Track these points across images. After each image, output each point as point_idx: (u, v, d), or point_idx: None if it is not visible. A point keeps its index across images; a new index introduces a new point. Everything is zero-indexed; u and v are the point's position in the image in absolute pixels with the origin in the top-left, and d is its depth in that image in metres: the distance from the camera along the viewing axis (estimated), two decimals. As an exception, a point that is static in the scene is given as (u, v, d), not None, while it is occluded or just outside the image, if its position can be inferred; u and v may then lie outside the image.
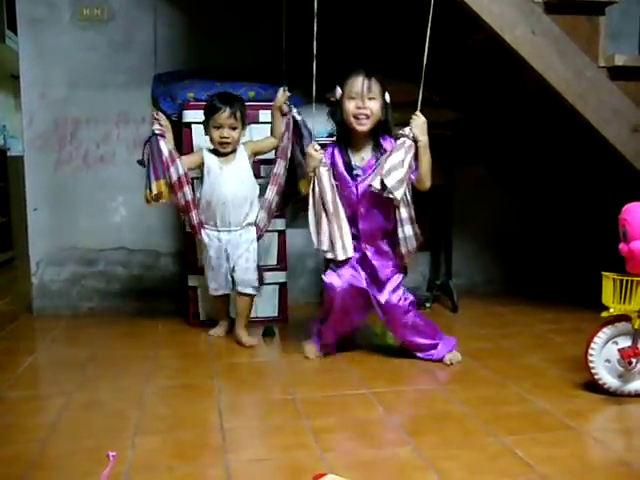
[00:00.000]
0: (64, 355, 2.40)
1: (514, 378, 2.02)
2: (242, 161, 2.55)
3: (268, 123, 2.67)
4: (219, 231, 2.51)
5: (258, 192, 2.58)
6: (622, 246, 1.79)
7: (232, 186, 2.49)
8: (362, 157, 2.21)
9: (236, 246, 2.51)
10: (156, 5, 3.02)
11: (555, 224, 3.41)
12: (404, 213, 2.15)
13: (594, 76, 2.44)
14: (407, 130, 2.12)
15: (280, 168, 2.51)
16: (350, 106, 2.15)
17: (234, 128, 2.48)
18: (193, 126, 2.72)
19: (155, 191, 2.38)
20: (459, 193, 3.13)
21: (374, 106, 2.14)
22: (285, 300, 2.88)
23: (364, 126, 2.16)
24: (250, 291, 2.54)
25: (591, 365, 1.86)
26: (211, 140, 2.52)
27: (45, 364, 2.37)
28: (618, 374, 1.85)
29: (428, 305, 3.08)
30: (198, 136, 2.72)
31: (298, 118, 2.48)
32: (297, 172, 2.49)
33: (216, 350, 2.44)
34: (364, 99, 2.13)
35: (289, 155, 2.50)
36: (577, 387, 1.93)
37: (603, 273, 1.84)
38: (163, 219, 3.12)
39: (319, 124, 2.71)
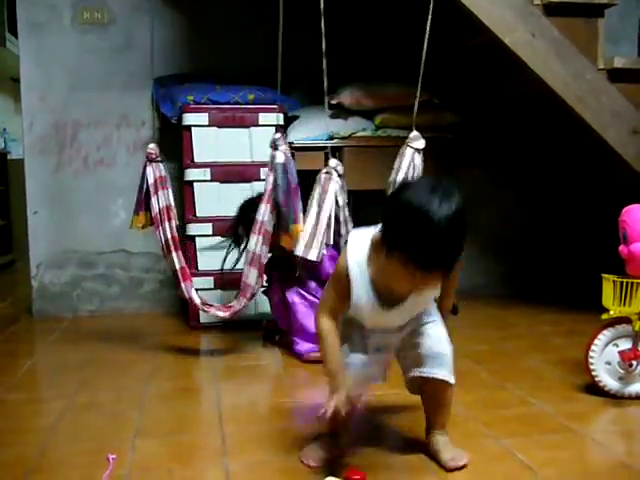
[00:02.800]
0: (64, 358, 2.40)
1: (514, 380, 2.02)
2: None
3: (268, 126, 2.67)
4: None
5: None
6: (622, 248, 1.79)
7: None
8: None
9: None
10: (156, 8, 3.03)
11: (555, 226, 3.41)
12: None
13: (593, 78, 2.44)
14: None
15: (265, 215, 2.22)
16: None
17: None
18: (193, 129, 2.72)
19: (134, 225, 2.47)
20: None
21: None
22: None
23: None
24: (446, 376, 1.44)
25: (591, 367, 1.85)
26: None
27: (45, 367, 2.37)
28: (618, 376, 1.85)
29: (428, 307, 3.07)
30: (198, 139, 2.72)
31: (280, 160, 2.20)
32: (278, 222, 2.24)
33: (216, 353, 2.45)
34: None
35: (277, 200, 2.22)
36: (578, 389, 1.93)
37: (603, 275, 1.84)
38: (163, 222, 3.11)
39: (320, 127, 2.72)
